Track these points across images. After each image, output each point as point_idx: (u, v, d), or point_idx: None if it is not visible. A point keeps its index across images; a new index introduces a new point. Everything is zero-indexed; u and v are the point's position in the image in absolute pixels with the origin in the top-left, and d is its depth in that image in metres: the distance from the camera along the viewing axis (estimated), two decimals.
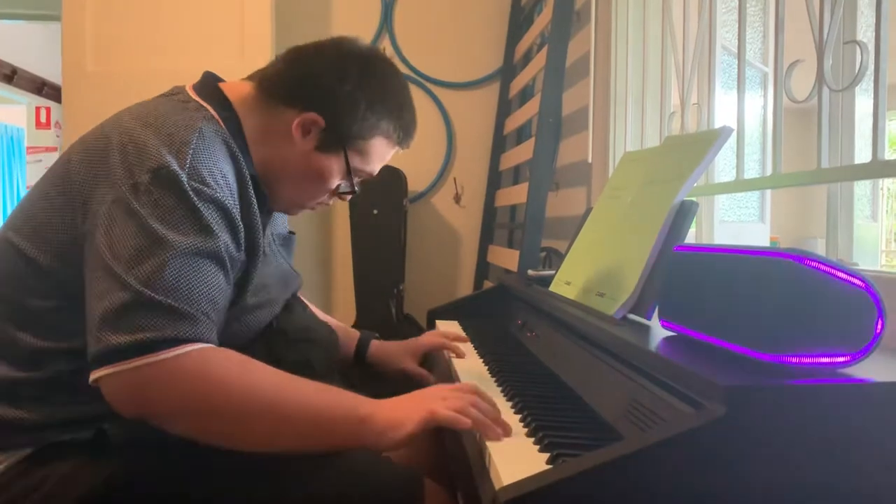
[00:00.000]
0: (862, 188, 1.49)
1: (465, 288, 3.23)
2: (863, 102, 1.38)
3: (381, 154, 1.23)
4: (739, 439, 0.69)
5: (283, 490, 1.02)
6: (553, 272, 1.56)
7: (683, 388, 0.79)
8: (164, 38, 2.86)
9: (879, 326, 0.75)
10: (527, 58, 2.93)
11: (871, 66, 1.18)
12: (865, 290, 0.75)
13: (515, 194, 2.71)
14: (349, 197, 1.28)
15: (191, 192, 0.97)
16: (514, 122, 2.91)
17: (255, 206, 1.11)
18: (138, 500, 1.02)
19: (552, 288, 1.48)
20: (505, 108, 3.13)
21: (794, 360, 0.74)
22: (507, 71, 3.14)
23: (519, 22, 3.11)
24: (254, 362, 0.97)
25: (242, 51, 2.82)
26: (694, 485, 0.69)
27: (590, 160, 2.31)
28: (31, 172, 4.45)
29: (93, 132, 1.10)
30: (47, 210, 1.05)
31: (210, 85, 1.17)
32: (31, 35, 5.63)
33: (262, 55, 2.79)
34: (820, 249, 1.11)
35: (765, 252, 0.79)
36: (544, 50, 2.25)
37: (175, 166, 0.97)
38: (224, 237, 1.00)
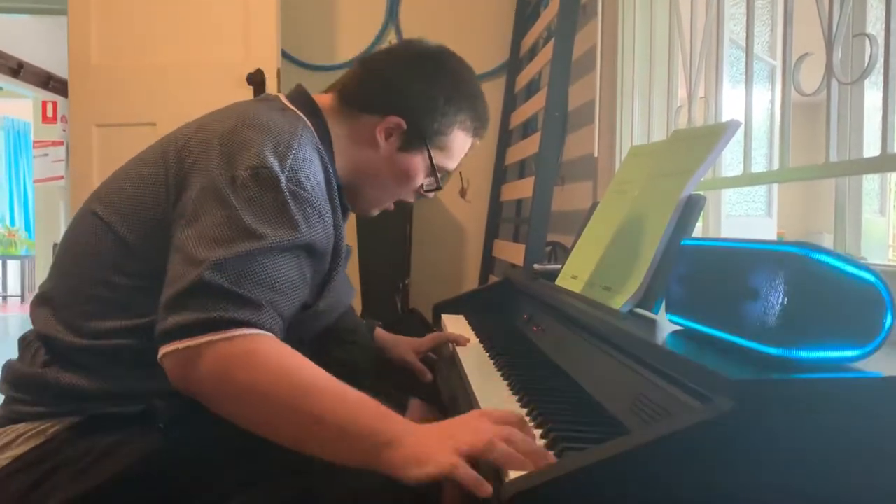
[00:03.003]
0: (870, 182, 1.48)
1: (470, 282, 3.23)
2: (872, 96, 1.37)
3: (461, 147, 1.29)
4: (747, 433, 0.68)
5: (309, 481, 1.03)
6: (559, 266, 1.56)
7: (691, 382, 0.78)
8: (169, 32, 2.86)
9: (889, 321, 0.74)
10: (533, 51, 2.92)
11: (881, 59, 1.17)
12: (875, 284, 0.74)
13: (521, 188, 2.70)
14: (433, 194, 1.33)
15: (287, 193, 0.99)
16: (520, 115, 2.90)
17: (341, 214, 1.14)
18: (177, 478, 1.03)
19: (558, 282, 1.48)
20: (511, 101, 3.12)
21: (803, 354, 0.74)
22: (513, 65, 3.13)
23: (525, 15, 3.10)
24: (303, 360, 0.94)
25: (248, 45, 2.81)
26: (701, 479, 0.69)
27: (596, 154, 2.31)
28: (38, 166, 4.47)
29: (192, 125, 1.12)
30: (139, 190, 1.07)
31: (303, 95, 1.21)
32: (38, 29, 5.63)
33: (267, 49, 2.79)
34: (826, 244, 1.10)
35: (774, 246, 0.79)
36: (550, 44, 2.24)
37: (276, 168, 0.99)
38: (314, 234, 1.02)
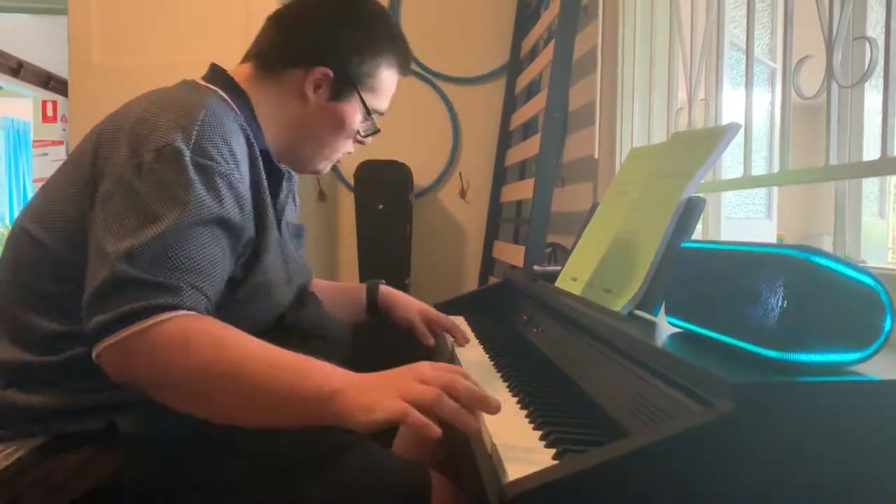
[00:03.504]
0: (870, 185, 1.48)
1: (470, 283, 3.23)
2: (871, 99, 1.37)
3: (390, 86, 1.28)
4: (747, 436, 0.69)
5: (291, 486, 1.02)
6: (559, 268, 1.56)
7: (691, 384, 0.78)
8: (170, 32, 2.86)
9: (888, 324, 0.75)
10: (533, 53, 2.92)
11: (881, 62, 1.17)
12: (875, 287, 0.74)
13: (521, 189, 2.71)
14: (370, 139, 1.31)
15: (192, 168, 0.97)
16: (520, 117, 2.91)
17: (265, 183, 1.12)
18: (148, 492, 1.02)
19: (558, 283, 1.48)
20: (511, 103, 3.13)
21: (803, 357, 0.74)
22: (514, 66, 3.13)
23: (525, 17, 3.10)
24: (234, 331, 0.94)
25: (248, 44, 2.80)
26: (701, 482, 0.69)
27: (596, 155, 2.31)
28: (37, 166, 4.46)
29: (105, 121, 1.12)
30: (60, 197, 1.06)
31: (217, 72, 1.21)
32: (38, 29, 5.63)
33: None
34: (826, 246, 1.11)
35: (774, 248, 0.79)
36: (551, 45, 2.24)
37: (180, 143, 0.98)
38: (225, 205, 1.00)
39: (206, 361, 0.90)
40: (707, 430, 0.68)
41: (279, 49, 1.20)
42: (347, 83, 1.21)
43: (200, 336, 0.90)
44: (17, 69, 5.16)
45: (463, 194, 3.25)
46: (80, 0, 2.89)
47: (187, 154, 0.98)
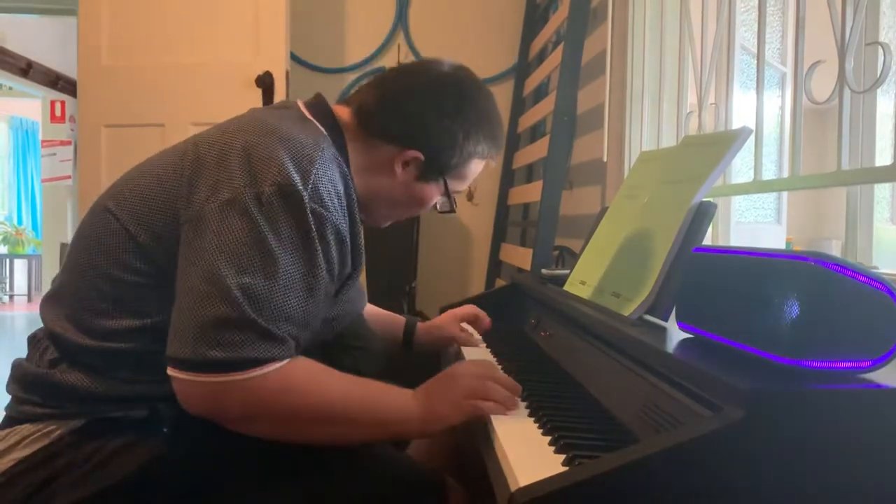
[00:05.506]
0: (881, 191, 1.47)
1: (477, 286, 3.23)
2: (883, 104, 1.36)
3: (476, 171, 1.30)
4: (758, 444, 0.68)
5: (312, 486, 1.05)
6: (566, 271, 1.55)
7: (701, 390, 0.78)
8: (179, 34, 2.87)
9: None
10: (542, 55, 2.92)
11: (894, 68, 1.16)
12: (887, 293, 0.74)
13: (529, 192, 2.70)
14: (448, 213, 1.35)
15: (310, 215, 0.99)
16: (528, 119, 2.90)
17: (360, 226, 1.14)
18: (182, 483, 1.03)
19: (566, 287, 1.48)
20: (519, 105, 3.13)
21: (815, 364, 0.73)
22: (522, 68, 3.13)
23: (534, 19, 3.10)
24: (326, 371, 1.03)
25: (257, 47, 2.81)
26: (711, 489, 0.69)
27: (605, 159, 2.30)
28: (45, 166, 4.47)
29: (213, 130, 1.12)
30: (154, 190, 1.06)
31: (322, 106, 1.20)
32: (47, 29, 5.65)
33: (276, 50, 2.80)
34: (835, 251, 1.10)
35: (786, 255, 0.78)
36: (560, 48, 2.24)
37: (300, 186, 0.99)
38: (332, 254, 1.04)
39: (307, 407, 0.99)
40: (718, 437, 0.68)
41: (377, 120, 1.19)
42: (436, 170, 1.22)
43: (302, 385, 0.99)
44: (27, 69, 5.18)
45: (470, 196, 3.25)
46: (91, 1, 2.90)
47: (306, 198, 0.99)
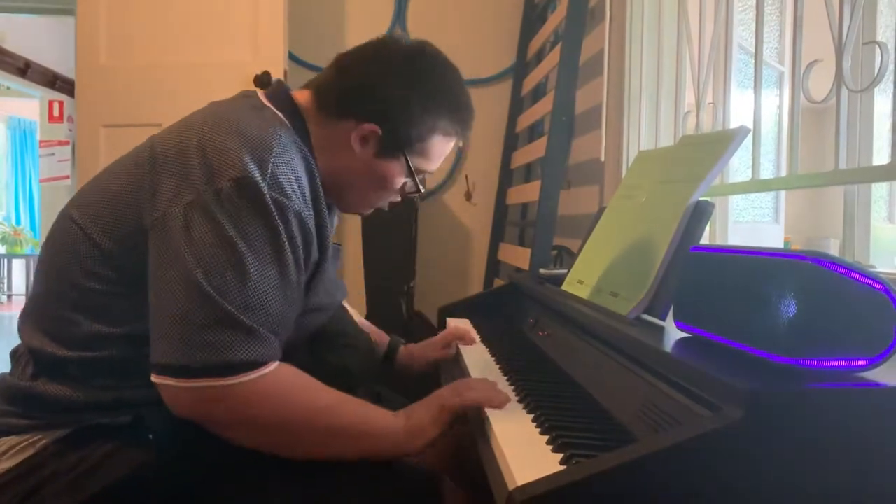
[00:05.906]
0: (879, 190, 1.47)
1: (475, 286, 3.23)
2: (880, 103, 1.36)
3: (441, 151, 1.25)
4: (756, 443, 0.68)
5: (308, 489, 1.03)
6: (565, 271, 1.55)
7: (699, 390, 0.78)
8: (177, 33, 2.86)
9: None
10: (540, 55, 2.92)
11: (891, 67, 1.16)
12: (885, 293, 0.74)
13: (527, 192, 2.70)
14: (417, 195, 1.31)
15: (272, 206, 0.99)
16: (526, 119, 2.90)
17: (327, 212, 1.13)
18: (169, 488, 1.02)
19: (564, 287, 1.48)
20: (517, 105, 3.12)
21: (813, 363, 0.73)
22: (520, 68, 3.13)
23: (532, 19, 3.10)
24: (313, 381, 1.03)
25: (256, 46, 2.81)
26: (710, 489, 0.69)
27: (602, 158, 2.30)
28: (44, 166, 4.47)
29: (170, 129, 1.11)
30: (116, 196, 1.05)
31: (282, 93, 1.19)
32: (45, 29, 5.65)
33: (275, 50, 2.79)
34: (833, 250, 1.10)
35: (783, 254, 0.78)
36: (558, 47, 2.24)
37: (257, 177, 0.99)
38: (298, 251, 1.03)
39: (293, 415, 0.99)
40: (716, 436, 0.68)
41: (334, 95, 1.17)
42: (395, 144, 1.18)
43: (288, 391, 0.99)
44: (25, 69, 5.17)
45: (468, 196, 3.25)
46: (89, 1, 2.89)
47: (265, 188, 0.98)
